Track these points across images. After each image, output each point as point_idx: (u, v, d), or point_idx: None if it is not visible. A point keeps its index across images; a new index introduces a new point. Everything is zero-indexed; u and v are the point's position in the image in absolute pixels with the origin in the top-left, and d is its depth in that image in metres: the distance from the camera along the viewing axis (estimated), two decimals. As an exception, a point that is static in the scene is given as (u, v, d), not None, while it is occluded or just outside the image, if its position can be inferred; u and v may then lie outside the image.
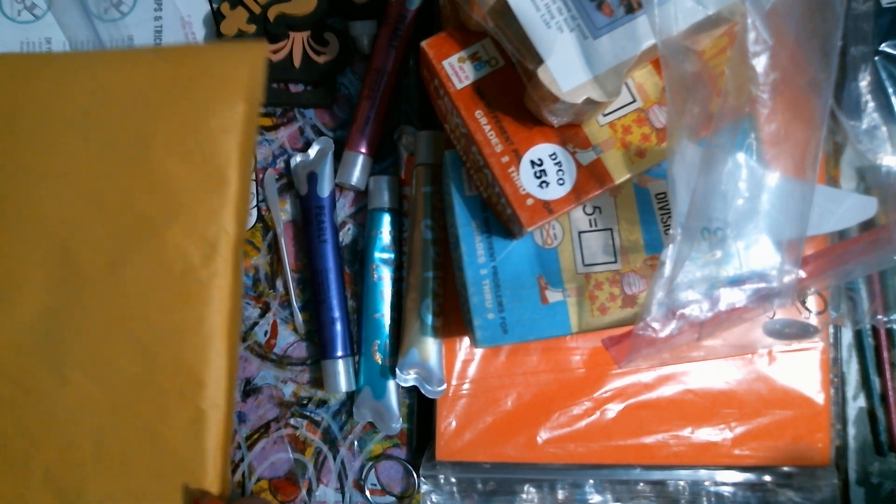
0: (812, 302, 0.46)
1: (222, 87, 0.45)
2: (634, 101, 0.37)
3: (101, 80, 0.46)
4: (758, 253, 0.34)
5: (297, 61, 0.50)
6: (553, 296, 0.39)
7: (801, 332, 0.43)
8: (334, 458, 0.50)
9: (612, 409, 0.47)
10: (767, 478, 0.46)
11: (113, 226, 0.45)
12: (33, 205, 0.45)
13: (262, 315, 0.51)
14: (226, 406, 0.45)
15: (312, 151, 0.50)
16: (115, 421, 0.44)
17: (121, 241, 0.44)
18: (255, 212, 0.50)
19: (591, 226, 0.40)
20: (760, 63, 0.30)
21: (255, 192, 0.50)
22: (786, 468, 0.46)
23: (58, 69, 0.47)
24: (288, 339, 0.50)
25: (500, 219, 0.39)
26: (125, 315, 0.44)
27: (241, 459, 0.50)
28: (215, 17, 0.49)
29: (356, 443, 0.50)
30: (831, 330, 0.47)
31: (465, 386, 0.48)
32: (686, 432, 0.47)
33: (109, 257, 0.44)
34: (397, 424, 0.48)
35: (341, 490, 0.50)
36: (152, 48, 0.50)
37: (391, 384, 0.48)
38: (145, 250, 0.44)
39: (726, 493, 0.46)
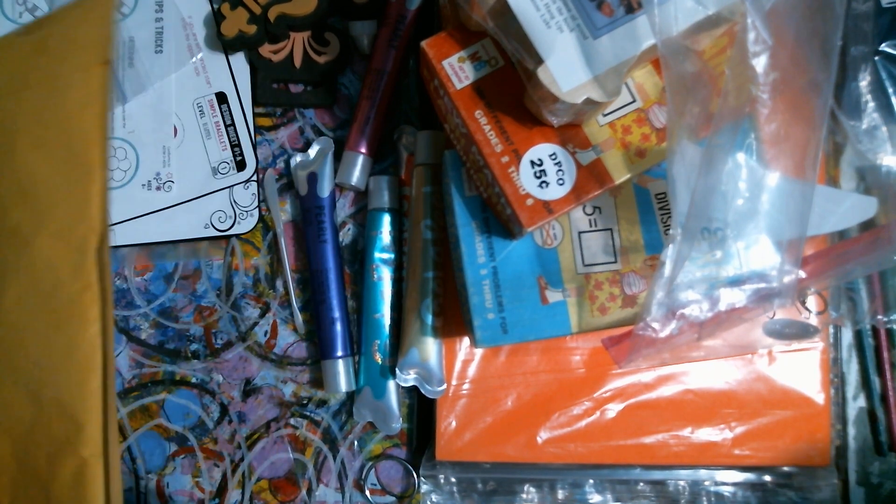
0: (812, 302, 0.46)
1: (76, 53, 0.41)
2: (634, 101, 0.37)
3: None
4: (758, 253, 0.34)
5: (297, 61, 0.50)
6: (553, 296, 0.39)
7: (801, 332, 0.43)
8: (334, 458, 0.50)
9: (612, 409, 0.47)
10: (767, 478, 0.46)
11: None
12: None
13: (262, 315, 0.51)
14: (104, 452, 0.38)
15: (312, 151, 0.50)
16: (21, 479, 0.39)
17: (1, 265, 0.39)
18: (255, 212, 0.50)
19: (591, 226, 0.40)
20: (760, 63, 0.30)
21: (255, 192, 0.50)
22: (786, 468, 0.46)
23: None
24: (288, 339, 0.50)
25: (500, 219, 0.39)
26: (9, 350, 0.39)
27: (241, 459, 0.50)
28: (216, 18, 0.49)
29: (356, 443, 0.50)
30: (831, 330, 0.47)
31: (465, 386, 0.48)
32: (686, 432, 0.47)
33: None
34: (397, 424, 0.48)
35: (341, 490, 0.50)
36: (12, 33, 0.45)
37: (391, 384, 0.48)
38: (18, 268, 0.39)
39: (726, 493, 0.46)
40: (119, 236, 0.49)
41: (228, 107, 0.51)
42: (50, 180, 0.40)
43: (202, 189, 0.50)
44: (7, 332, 0.39)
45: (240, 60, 0.51)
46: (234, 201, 0.50)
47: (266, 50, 0.50)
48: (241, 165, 0.50)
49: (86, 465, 0.37)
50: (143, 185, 0.50)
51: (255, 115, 0.51)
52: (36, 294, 0.39)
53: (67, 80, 0.41)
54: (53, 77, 0.41)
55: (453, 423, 0.48)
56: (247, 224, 0.50)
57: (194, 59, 0.51)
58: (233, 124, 0.51)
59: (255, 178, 0.50)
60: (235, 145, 0.51)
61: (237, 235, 0.50)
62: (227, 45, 0.49)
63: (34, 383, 0.38)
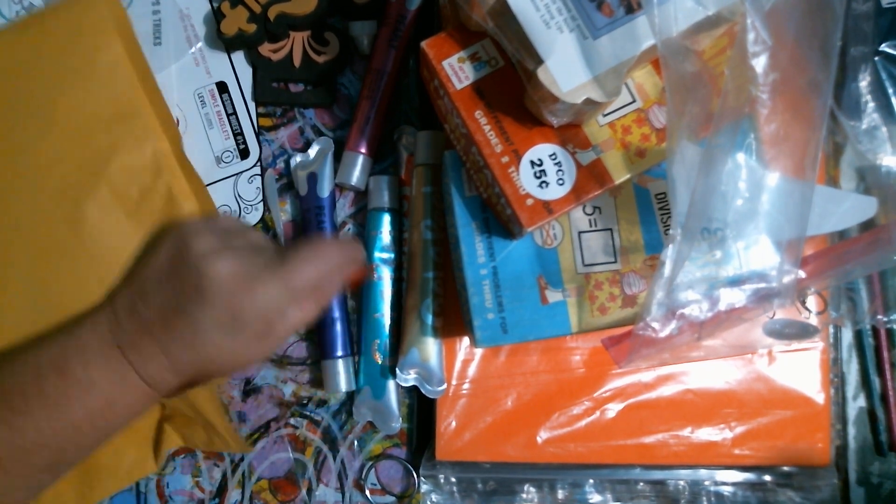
0: (812, 302, 0.46)
1: (92, 33, 0.45)
2: (634, 101, 0.37)
3: None
4: (757, 253, 0.34)
5: (297, 61, 0.50)
6: (553, 296, 0.39)
7: (801, 332, 0.42)
8: (334, 458, 0.50)
9: (612, 409, 0.47)
10: (767, 478, 0.46)
11: (55, 189, 0.44)
12: None
13: (263, 315, 0.51)
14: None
15: (312, 151, 0.50)
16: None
17: (76, 189, 0.44)
18: (260, 206, 0.50)
19: (591, 226, 0.40)
20: (760, 63, 0.30)
21: (259, 185, 0.50)
22: (786, 468, 0.46)
23: None
24: (288, 339, 0.50)
25: (499, 219, 0.39)
26: (107, 261, 0.43)
27: (241, 459, 0.50)
28: (216, 16, 0.49)
29: (356, 442, 0.50)
30: (831, 330, 0.47)
31: (465, 386, 0.48)
32: (686, 432, 0.47)
33: (67, 214, 0.44)
34: (397, 424, 0.48)
35: (341, 490, 0.50)
36: (9, 26, 0.49)
37: (391, 384, 0.48)
38: (100, 188, 0.44)
39: (726, 493, 0.46)
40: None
41: (229, 96, 0.51)
42: (105, 126, 0.45)
43: (206, 179, 0.50)
44: (100, 246, 0.44)
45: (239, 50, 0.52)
46: (239, 195, 0.50)
47: (266, 49, 0.50)
48: (244, 154, 0.51)
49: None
50: None
51: (256, 105, 0.51)
52: (129, 199, 0.44)
53: (90, 55, 0.45)
54: (74, 55, 0.45)
55: (453, 423, 0.48)
56: (252, 218, 0.50)
57: (193, 50, 0.51)
58: (234, 113, 0.51)
59: (258, 165, 0.51)
60: (238, 134, 0.51)
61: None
62: (226, 44, 0.49)
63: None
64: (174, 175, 0.45)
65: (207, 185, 0.50)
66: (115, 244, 0.44)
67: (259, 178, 0.51)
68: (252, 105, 0.51)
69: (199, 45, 0.51)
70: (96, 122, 0.45)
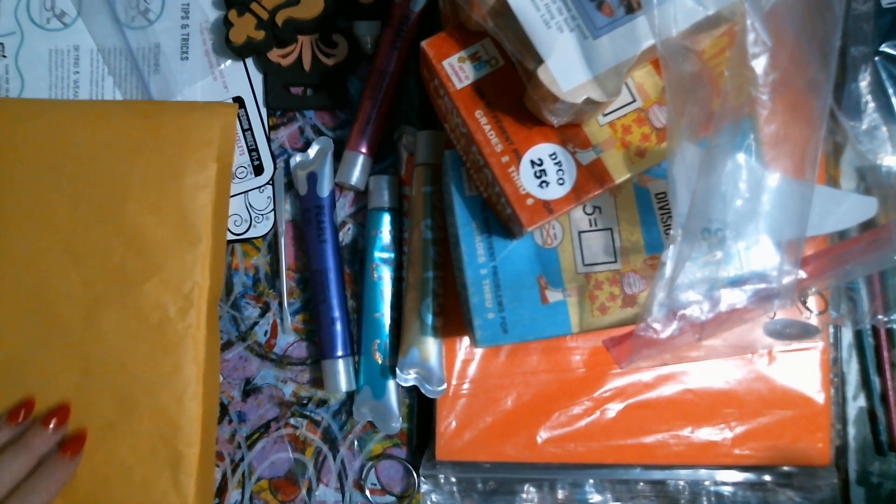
0: (812, 302, 0.46)
1: (195, 148, 0.47)
2: (634, 101, 0.37)
3: (73, 132, 0.47)
4: (758, 253, 0.34)
5: (306, 65, 0.50)
6: (553, 296, 0.39)
7: (801, 332, 0.42)
8: (334, 458, 0.50)
9: (612, 409, 0.47)
10: (767, 478, 0.46)
11: (89, 276, 0.46)
12: (3, 251, 0.46)
13: (262, 315, 0.51)
14: (200, 445, 0.46)
15: (312, 151, 0.50)
16: (89, 463, 0.45)
17: (97, 291, 0.46)
18: (271, 215, 0.50)
19: (591, 226, 0.40)
20: (760, 64, 0.29)
21: (270, 195, 0.50)
22: (786, 468, 0.46)
23: (23, 117, 0.47)
24: (288, 339, 0.50)
25: (500, 219, 0.39)
26: (101, 363, 0.45)
27: (241, 459, 0.50)
28: (224, 25, 0.49)
29: (356, 442, 0.50)
30: (831, 330, 0.47)
31: (465, 386, 0.48)
32: (686, 432, 0.47)
33: (86, 306, 0.45)
34: (397, 424, 0.48)
35: (341, 490, 0.50)
36: (123, 102, 0.50)
37: (391, 384, 0.48)
38: (122, 302, 0.45)
39: (726, 493, 0.46)
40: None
41: (246, 111, 0.51)
42: (159, 239, 0.46)
43: None
44: (103, 349, 0.45)
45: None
46: (250, 204, 0.50)
47: (275, 55, 0.50)
48: (258, 170, 0.51)
49: (180, 455, 0.45)
50: None
51: (268, 111, 0.51)
52: (141, 324, 0.45)
53: (184, 167, 0.47)
54: (169, 160, 0.47)
55: (453, 423, 0.48)
56: (262, 227, 0.50)
57: (212, 66, 0.51)
58: (250, 129, 0.51)
59: (271, 182, 0.51)
60: (253, 150, 0.51)
61: (252, 239, 0.51)
62: (236, 52, 0.49)
63: (130, 391, 0.45)
64: (198, 323, 0.46)
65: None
66: (108, 353, 0.45)
67: (270, 188, 0.51)
68: (267, 121, 0.51)
69: (216, 59, 0.51)
70: (154, 234, 0.46)
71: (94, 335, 0.45)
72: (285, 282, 0.50)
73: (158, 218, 0.46)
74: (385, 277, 0.49)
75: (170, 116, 0.47)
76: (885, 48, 0.43)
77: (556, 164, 0.36)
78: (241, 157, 0.51)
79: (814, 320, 0.46)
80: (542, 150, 0.37)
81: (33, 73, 0.51)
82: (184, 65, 0.51)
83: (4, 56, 0.51)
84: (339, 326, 0.48)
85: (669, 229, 0.39)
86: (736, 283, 0.34)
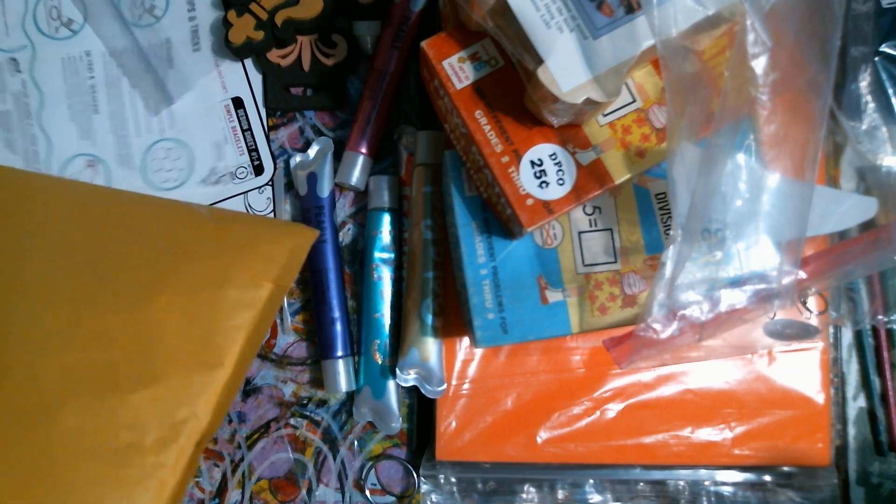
0: (812, 302, 0.46)
1: (252, 260, 0.40)
2: (634, 101, 0.37)
3: (128, 215, 0.42)
4: (758, 254, 0.34)
5: (306, 65, 0.50)
6: (553, 296, 0.39)
7: (801, 332, 0.42)
8: (334, 458, 0.50)
9: (612, 409, 0.47)
10: (767, 478, 0.46)
11: (74, 364, 0.38)
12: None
13: (263, 315, 0.51)
14: None
15: (312, 151, 0.50)
16: None
17: (74, 383, 0.37)
18: (271, 216, 0.50)
19: (591, 226, 0.40)
20: (760, 64, 0.29)
21: (270, 196, 0.50)
22: (786, 468, 0.46)
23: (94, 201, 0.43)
24: (288, 339, 0.50)
25: (500, 219, 0.39)
26: (47, 467, 0.37)
27: (241, 459, 0.50)
28: (223, 26, 0.49)
29: (356, 443, 0.50)
30: (831, 330, 0.47)
31: (465, 386, 0.48)
32: (686, 432, 0.47)
33: (54, 397, 0.37)
34: (397, 424, 0.48)
35: (341, 490, 0.50)
36: (208, 207, 0.45)
37: (391, 384, 0.48)
38: (93, 405, 0.37)
39: (726, 493, 0.46)
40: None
41: (245, 111, 0.51)
42: (175, 347, 0.38)
43: (219, 195, 0.50)
44: (54, 451, 0.36)
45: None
46: (249, 205, 0.50)
47: (274, 55, 0.50)
48: (258, 170, 0.51)
49: None
50: (201, 180, 0.50)
51: (267, 111, 0.51)
52: (104, 440, 0.36)
53: (230, 277, 0.40)
54: (219, 266, 0.40)
55: (453, 423, 0.48)
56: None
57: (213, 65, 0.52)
58: (249, 129, 0.51)
59: (271, 182, 0.51)
60: (252, 150, 0.51)
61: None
62: (235, 53, 0.49)
63: None
64: (175, 465, 0.37)
65: (220, 200, 0.50)
66: (47, 463, 0.36)
67: (270, 188, 0.51)
68: (266, 121, 0.51)
69: (216, 60, 0.51)
70: (170, 339, 0.38)
71: (50, 432, 0.36)
72: (285, 282, 0.50)
73: (183, 324, 0.38)
74: (385, 277, 0.49)
75: (240, 223, 0.42)
76: (885, 48, 0.43)
77: (556, 164, 0.36)
78: (240, 158, 0.51)
79: (814, 320, 0.46)
80: (542, 150, 0.37)
81: (50, 85, 0.51)
82: (197, 56, 0.51)
83: (20, 71, 0.51)
84: (339, 326, 0.48)
85: (669, 229, 0.39)
86: (736, 283, 0.34)
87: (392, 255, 0.49)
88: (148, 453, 0.36)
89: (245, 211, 0.50)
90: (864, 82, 0.42)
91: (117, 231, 0.41)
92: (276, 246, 0.41)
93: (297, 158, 0.50)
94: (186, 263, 0.40)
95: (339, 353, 0.48)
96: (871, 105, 0.42)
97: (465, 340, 0.48)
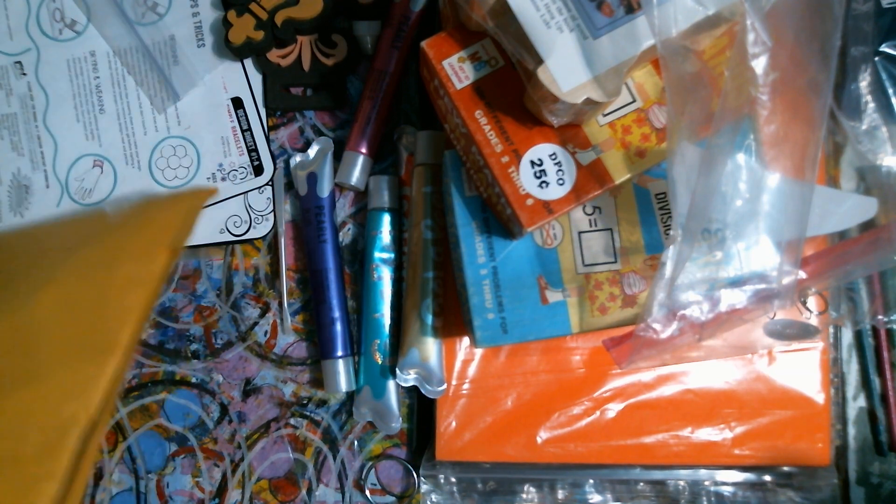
0: (812, 302, 0.46)
1: (146, 231, 0.37)
2: (634, 101, 0.37)
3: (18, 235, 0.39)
4: (758, 254, 0.34)
5: (306, 65, 0.50)
6: (553, 296, 0.39)
7: (801, 332, 0.43)
8: (334, 458, 0.50)
9: (612, 409, 0.47)
10: (767, 478, 0.46)
11: None
12: None
13: (262, 315, 0.51)
14: None
15: (312, 151, 0.50)
16: None
17: None
18: (271, 216, 0.50)
19: (591, 226, 0.40)
20: (760, 64, 0.29)
21: (270, 196, 0.50)
22: (786, 468, 0.46)
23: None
24: (288, 339, 0.50)
25: (500, 219, 0.39)
26: None
27: (241, 459, 0.50)
28: (223, 26, 0.49)
29: (356, 443, 0.50)
30: (831, 330, 0.47)
31: (465, 386, 0.48)
32: (686, 432, 0.47)
33: None
34: (397, 424, 0.48)
35: (341, 490, 0.50)
36: (118, 202, 0.41)
37: (391, 384, 0.48)
38: None
39: (726, 493, 0.46)
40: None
41: (245, 112, 0.51)
42: (61, 339, 0.34)
43: (220, 194, 0.50)
44: None
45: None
46: (249, 205, 0.50)
47: (274, 55, 0.50)
48: (258, 170, 0.50)
49: None
50: (208, 177, 0.51)
51: (268, 119, 0.51)
52: None
53: (127, 252, 0.36)
54: (111, 244, 0.37)
55: (453, 423, 0.48)
56: (262, 228, 0.50)
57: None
58: (249, 129, 0.51)
59: (271, 182, 0.51)
60: (252, 150, 0.51)
61: (252, 240, 0.51)
62: (235, 53, 0.49)
63: None
64: (56, 471, 0.32)
65: (219, 201, 0.50)
66: None
67: (270, 188, 0.51)
68: (266, 121, 0.51)
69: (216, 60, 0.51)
70: (54, 332, 0.34)
71: None
72: (285, 282, 0.50)
73: (70, 308, 0.35)
74: (385, 277, 0.49)
75: (136, 204, 0.39)
76: (885, 48, 0.43)
77: (556, 164, 0.36)
78: (240, 158, 0.51)
79: (814, 320, 0.46)
80: (542, 150, 0.37)
81: (55, 86, 0.51)
82: (201, 52, 0.51)
83: (25, 74, 0.51)
84: (339, 326, 0.48)
85: (669, 229, 0.39)
86: (736, 283, 0.34)
87: (392, 255, 0.49)
88: (28, 464, 0.32)
89: (246, 211, 0.50)
90: (864, 82, 0.42)
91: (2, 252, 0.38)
92: (168, 212, 0.38)
93: (297, 158, 0.50)
94: (74, 254, 0.36)
95: (339, 353, 0.48)
96: (871, 105, 0.42)
97: (465, 340, 0.48)
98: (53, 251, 0.37)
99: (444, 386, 0.47)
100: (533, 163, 0.36)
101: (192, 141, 0.51)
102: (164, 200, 0.39)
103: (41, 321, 0.34)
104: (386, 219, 0.49)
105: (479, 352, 0.48)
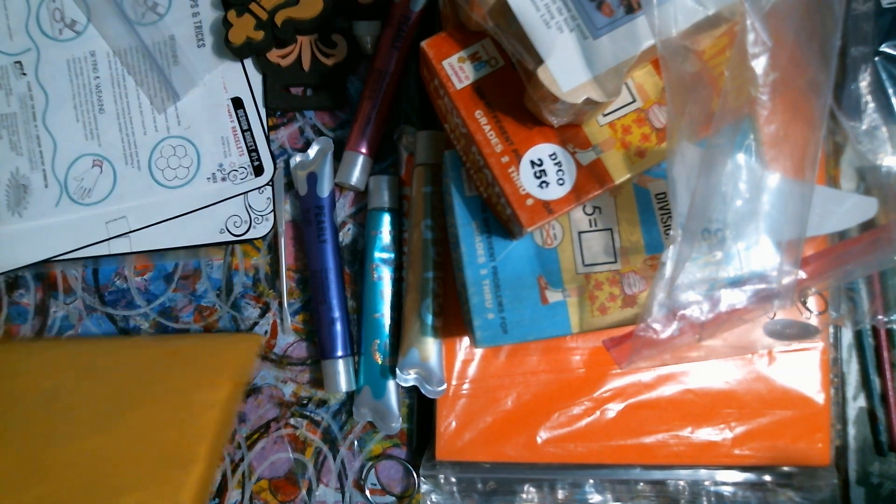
0: (812, 302, 0.46)
1: (212, 368, 0.46)
2: (634, 101, 0.37)
3: (99, 361, 0.47)
4: (758, 254, 0.34)
5: (306, 65, 0.50)
6: (553, 296, 0.39)
7: (801, 332, 0.43)
8: (334, 458, 0.50)
9: (612, 409, 0.47)
10: (767, 478, 0.46)
11: (75, 481, 0.42)
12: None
13: (262, 315, 0.51)
14: None
15: (312, 151, 0.50)
16: None
17: (72, 496, 0.42)
18: (271, 216, 0.50)
19: (591, 226, 0.40)
20: (760, 64, 0.29)
21: (270, 196, 0.50)
22: (786, 468, 0.46)
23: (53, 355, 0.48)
24: (288, 339, 0.50)
25: (500, 219, 0.39)
26: None
27: (242, 459, 0.50)
28: (223, 26, 0.49)
29: (356, 443, 0.50)
30: (831, 330, 0.47)
31: (465, 386, 0.48)
32: (686, 432, 0.47)
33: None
34: (397, 424, 0.48)
35: (341, 490, 0.50)
36: (158, 336, 0.50)
37: (391, 384, 0.48)
38: None
39: (726, 493, 0.46)
40: (135, 243, 0.50)
41: (245, 112, 0.51)
42: (153, 452, 0.43)
43: (219, 196, 0.50)
44: None
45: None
46: (249, 205, 0.50)
47: (274, 55, 0.50)
48: (258, 170, 0.50)
49: None
50: (208, 178, 0.50)
51: (268, 119, 0.51)
52: None
53: (198, 384, 0.46)
54: (186, 378, 0.46)
55: (453, 423, 0.48)
56: (262, 228, 0.50)
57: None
58: (249, 129, 0.51)
59: (271, 182, 0.51)
60: (252, 150, 0.51)
61: (252, 240, 0.51)
62: (235, 53, 0.49)
63: None
64: None
65: (220, 200, 0.50)
66: None
67: (270, 188, 0.51)
68: (266, 121, 0.51)
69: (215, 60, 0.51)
70: (145, 448, 0.43)
71: None
72: (285, 282, 0.50)
73: (159, 432, 0.44)
74: (385, 277, 0.49)
75: (194, 343, 0.48)
76: (885, 48, 0.43)
77: (556, 164, 0.36)
78: (240, 158, 0.51)
79: (814, 320, 0.46)
80: (542, 150, 0.37)
81: (55, 86, 0.51)
82: (201, 52, 0.51)
83: (24, 74, 0.51)
84: (339, 326, 0.48)
85: (669, 229, 0.39)
86: (736, 283, 0.34)
87: (392, 255, 0.49)
88: None
89: (246, 211, 0.50)
90: (864, 82, 0.42)
91: (84, 380, 0.46)
92: (229, 352, 0.48)
93: (297, 158, 0.50)
94: (156, 386, 0.46)
95: (339, 353, 0.48)
96: (871, 105, 0.42)
97: (465, 340, 0.48)
98: (124, 381, 0.45)
99: (444, 386, 0.47)
100: (533, 163, 0.36)
101: (192, 141, 0.50)
102: (220, 342, 0.48)
103: (140, 436, 0.43)
104: (386, 219, 0.49)
105: (479, 352, 0.48)
